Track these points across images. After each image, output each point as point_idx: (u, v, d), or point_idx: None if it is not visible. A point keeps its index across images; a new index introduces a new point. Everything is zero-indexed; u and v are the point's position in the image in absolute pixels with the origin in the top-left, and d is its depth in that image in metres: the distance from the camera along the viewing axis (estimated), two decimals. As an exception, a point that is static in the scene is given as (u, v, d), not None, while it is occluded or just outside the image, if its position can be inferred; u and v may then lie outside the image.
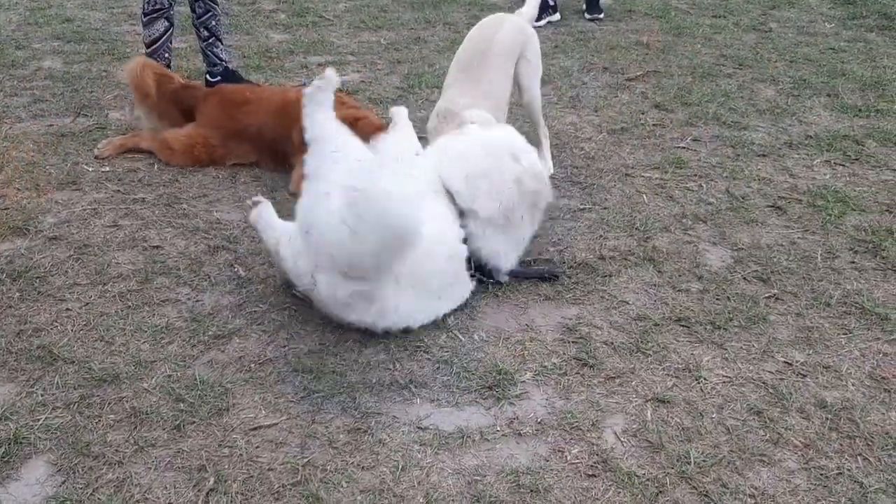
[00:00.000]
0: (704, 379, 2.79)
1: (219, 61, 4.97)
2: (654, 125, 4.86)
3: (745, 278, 3.38)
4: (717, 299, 3.23)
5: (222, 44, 5.00)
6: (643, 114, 5.01)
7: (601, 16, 6.99)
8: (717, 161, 4.41)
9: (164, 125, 4.26)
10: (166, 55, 4.79)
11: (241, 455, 2.41)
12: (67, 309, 3.02)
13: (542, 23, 6.73)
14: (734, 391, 2.75)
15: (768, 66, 5.92)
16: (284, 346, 2.88)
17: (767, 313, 3.15)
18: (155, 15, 4.70)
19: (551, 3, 6.83)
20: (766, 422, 2.62)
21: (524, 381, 2.74)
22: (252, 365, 2.78)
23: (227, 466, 2.37)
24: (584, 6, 7.07)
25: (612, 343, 2.95)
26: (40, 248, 3.39)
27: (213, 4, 4.88)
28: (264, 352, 2.85)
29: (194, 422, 2.52)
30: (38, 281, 3.17)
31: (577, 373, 2.79)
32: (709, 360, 2.89)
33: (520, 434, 2.53)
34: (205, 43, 4.94)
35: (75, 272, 3.24)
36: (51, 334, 2.89)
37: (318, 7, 6.87)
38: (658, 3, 7.47)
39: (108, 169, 4.06)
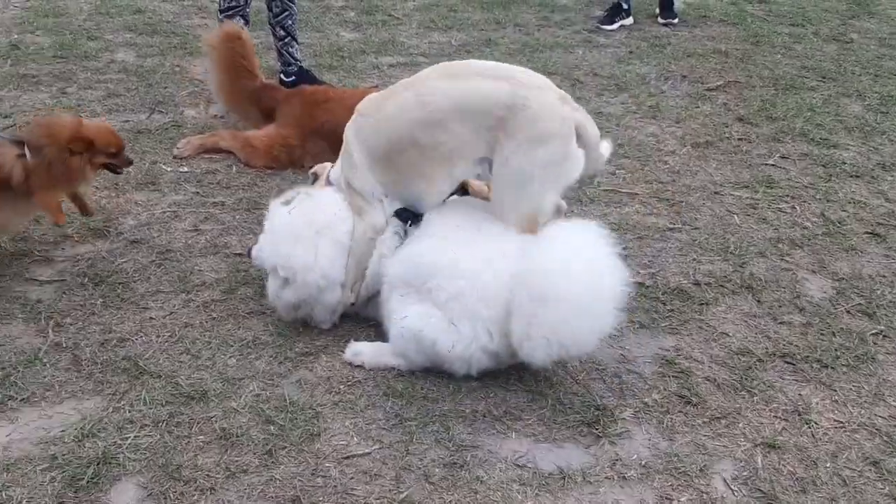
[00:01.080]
0: (815, 423, 2.64)
1: (293, 61, 4.89)
2: (739, 139, 4.67)
3: (848, 311, 3.21)
4: (822, 334, 3.06)
5: (297, 43, 4.91)
6: (727, 127, 4.83)
7: (675, 21, 6.78)
8: (808, 181, 4.22)
9: (244, 123, 4.21)
10: None
11: (335, 486, 2.32)
12: (151, 318, 2.96)
13: (615, 26, 6.56)
14: (847, 438, 2.59)
15: (853, 79, 5.69)
16: (372, 368, 2.78)
17: (875, 352, 2.98)
18: (230, 12, 4.64)
19: (625, 6, 6.65)
20: (883, 473, 2.46)
21: (624, 419, 2.61)
22: (341, 387, 2.69)
23: (321, 498, 2.28)
24: (658, 10, 6.87)
25: (715, 379, 2.80)
26: (122, 252, 3.33)
27: (290, 4, 4.79)
28: (353, 373, 2.75)
29: (285, 447, 2.43)
30: (120, 287, 3.11)
31: (679, 411, 2.65)
32: (818, 401, 2.74)
33: (624, 477, 2.40)
34: (280, 42, 4.86)
35: (158, 279, 3.18)
36: (136, 345, 2.82)
37: (387, 5, 6.76)
38: (733, 9, 7.24)
39: (186, 170, 4.00)
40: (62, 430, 2.46)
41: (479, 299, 2.58)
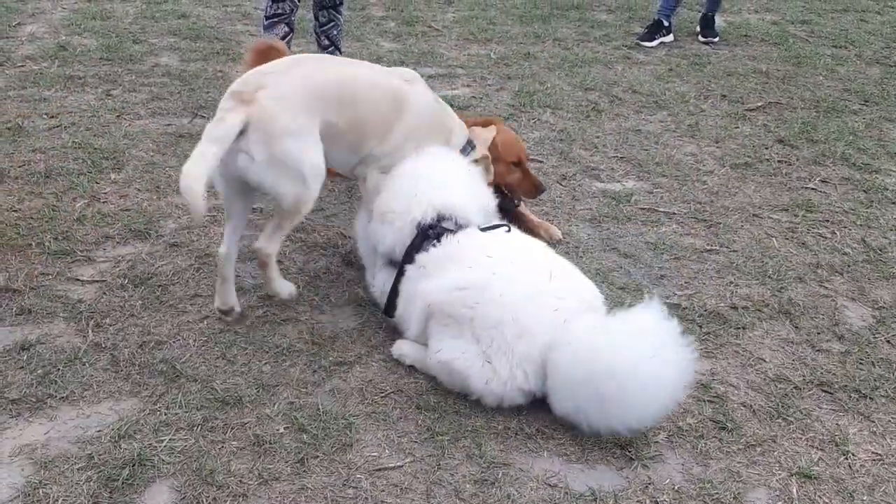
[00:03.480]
0: (852, 454, 2.59)
1: (334, 70, 4.93)
2: (779, 162, 4.63)
3: (888, 341, 3.16)
4: (861, 363, 3.01)
5: (341, 54, 4.96)
6: (767, 148, 4.78)
7: (716, 39, 6.75)
8: (849, 206, 4.17)
9: None
10: None
11: (365, 498, 2.32)
12: (189, 322, 2.99)
13: (655, 43, 6.54)
14: (885, 471, 2.55)
15: (897, 103, 5.61)
16: (405, 379, 2.79)
17: (917, 384, 2.93)
18: (276, 19, 4.69)
19: (665, 23, 6.62)
20: (922, 510, 2.41)
21: (658, 442, 2.58)
22: (375, 397, 2.69)
23: (351, 509, 2.29)
24: (699, 28, 6.84)
25: (751, 406, 2.77)
26: (161, 255, 3.38)
27: (337, 15, 4.84)
28: (386, 384, 2.76)
29: (318, 456, 2.44)
30: (159, 289, 3.16)
31: (714, 437, 2.62)
32: (855, 432, 2.69)
33: (656, 502, 2.38)
34: (324, 52, 4.91)
35: (196, 282, 3.21)
36: (173, 348, 2.86)
37: (426, 16, 6.80)
38: (775, 29, 7.19)
39: (225, 175, 4.04)
40: (99, 430, 2.50)
41: (518, 335, 2.57)
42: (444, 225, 2.87)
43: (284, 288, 3.02)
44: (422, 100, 3.15)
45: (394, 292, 2.90)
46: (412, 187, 2.95)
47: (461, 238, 2.82)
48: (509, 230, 2.94)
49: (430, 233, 2.84)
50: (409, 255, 2.85)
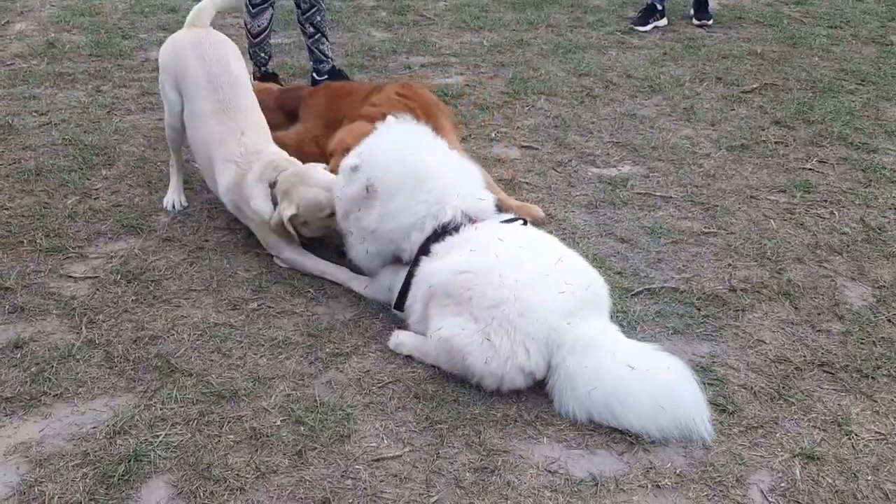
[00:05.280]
0: (855, 434, 2.57)
1: (325, 58, 4.89)
2: (775, 143, 4.59)
3: (889, 320, 3.13)
4: (862, 343, 2.99)
5: (328, 41, 4.91)
6: (763, 130, 4.75)
7: (710, 22, 6.69)
8: (847, 186, 4.13)
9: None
10: (268, 46, 4.77)
11: (364, 489, 2.30)
12: (183, 316, 2.96)
13: (649, 28, 6.49)
14: (889, 450, 2.53)
15: (892, 82, 5.56)
16: (403, 369, 2.76)
17: (918, 362, 2.90)
18: (264, 5, 4.64)
19: (659, 7, 6.57)
20: (927, 488, 2.39)
21: (659, 426, 2.56)
22: (372, 388, 2.67)
23: (350, 500, 2.27)
24: (693, 11, 6.79)
25: (752, 388, 2.74)
26: (154, 249, 3.35)
27: (318, 0, 4.79)
28: (383, 374, 2.74)
29: (315, 448, 2.42)
30: (153, 284, 3.13)
31: (715, 419, 2.60)
32: (858, 412, 2.67)
33: (658, 486, 2.36)
34: (311, 40, 4.86)
35: (190, 277, 3.18)
36: (167, 343, 2.83)
37: (418, 5, 6.75)
38: (769, 10, 7.13)
39: (217, 168, 4.00)
40: (94, 427, 2.48)
41: (520, 313, 2.55)
42: (461, 219, 2.89)
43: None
44: None
45: (407, 285, 2.88)
46: (444, 188, 2.91)
47: (479, 227, 2.85)
48: (525, 223, 2.98)
49: (448, 226, 2.85)
50: (426, 248, 2.85)
